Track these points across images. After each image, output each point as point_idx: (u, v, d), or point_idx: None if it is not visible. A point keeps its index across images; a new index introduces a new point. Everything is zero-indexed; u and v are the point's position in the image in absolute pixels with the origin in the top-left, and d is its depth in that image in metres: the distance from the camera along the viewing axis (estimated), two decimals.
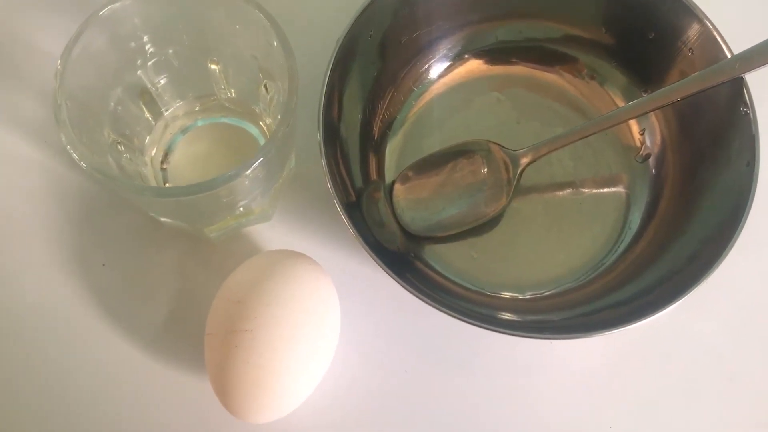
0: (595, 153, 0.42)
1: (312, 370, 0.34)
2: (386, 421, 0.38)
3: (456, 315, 0.32)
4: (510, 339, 0.38)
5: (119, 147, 0.37)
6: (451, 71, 0.43)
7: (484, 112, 0.43)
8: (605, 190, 0.41)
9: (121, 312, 0.39)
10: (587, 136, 0.38)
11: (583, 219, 0.41)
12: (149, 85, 0.38)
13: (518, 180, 0.39)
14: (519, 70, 0.43)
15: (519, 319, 0.37)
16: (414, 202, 0.40)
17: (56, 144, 0.42)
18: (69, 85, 0.33)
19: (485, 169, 0.40)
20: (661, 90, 0.37)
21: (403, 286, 0.33)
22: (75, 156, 0.31)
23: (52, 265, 0.40)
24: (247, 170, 0.31)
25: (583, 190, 0.41)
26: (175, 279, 0.40)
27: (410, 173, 0.41)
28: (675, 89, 0.36)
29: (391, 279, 0.39)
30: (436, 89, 0.43)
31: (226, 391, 0.34)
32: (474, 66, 0.43)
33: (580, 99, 0.42)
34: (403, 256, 0.39)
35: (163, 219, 0.39)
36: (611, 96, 0.42)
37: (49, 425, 0.37)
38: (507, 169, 0.39)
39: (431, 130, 0.42)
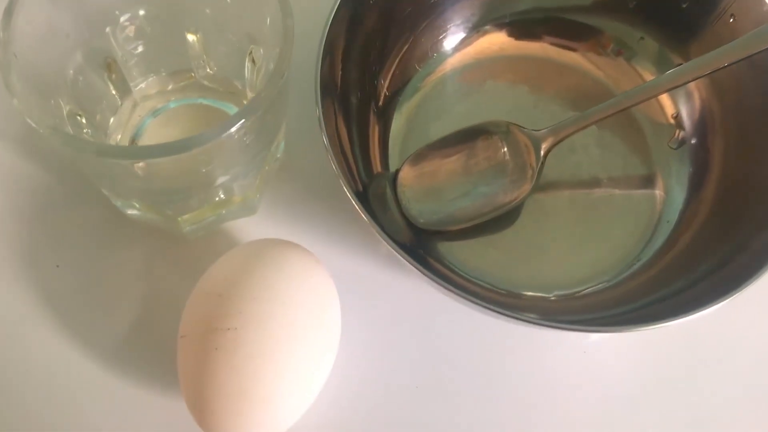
0: (624, 139, 0.37)
1: (310, 379, 0.28)
2: None
3: (490, 307, 0.27)
4: (535, 344, 0.34)
5: (79, 119, 0.31)
6: (460, 50, 0.38)
7: (497, 95, 0.38)
8: (637, 180, 0.36)
9: (78, 321, 0.33)
10: (621, 111, 0.33)
11: (613, 212, 0.36)
12: (119, 52, 0.33)
13: (542, 164, 0.34)
14: (536, 49, 0.38)
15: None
16: (422, 193, 0.35)
17: (2, 130, 0.37)
18: (16, 47, 0.27)
19: (506, 153, 0.35)
20: (704, 56, 0.32)
21: (427, 275, 0.27)
22: (30, 119, 0.26)
23: None
24: (232, 127, 0.26)
25: (613, 180, 0.36)
26: (142, 282, 0.34)
27: (417, 160, 0.35)
28: (721, 54, 0.31)
29: (400, 277, 0.34)
30: (442, 70, 0.38)
31: (203, 406, 0.27)
32: (486, 45, 0.38)
33: (604, 80, 0.38)
34: (413, 251, 0.33)
35: (129, 211, 0.34)
36: (640, 73, 0.37)
37: None
38: (529, 152, 0.34)
39: (438, 115, 0.37)
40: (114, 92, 0.34)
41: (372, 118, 0.36)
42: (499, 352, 0.33)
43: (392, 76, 0.37)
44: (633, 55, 0.38)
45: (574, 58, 0.38)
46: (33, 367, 0.32)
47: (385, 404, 0.32)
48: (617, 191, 0.36)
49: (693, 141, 0.36)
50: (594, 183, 0.36)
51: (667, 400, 0.33)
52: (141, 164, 0.26)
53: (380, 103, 0.36)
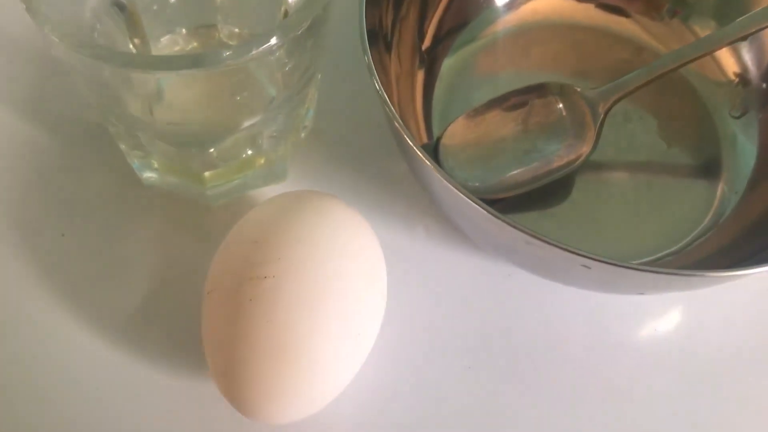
0: (683, 108, 0.34)
1: (356, 343, 0.24)
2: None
3: (592, 256, 0.23)
4: (599, 320, 0.30)
5: None
6: (507, 14, 0.36)
7: (543, 64, 0.35)
8: (698, 149, 0.33)
9: (85, 293, 0.29)
10: (684, 65, 0.30)
11: (674, 183, 0.33)
12: None
13: (602, 124, 0.31)
14: (587, 16, 0.36)
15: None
16: (468, 160, 0.32)
17: (8, 93, 0.33)
18: None
19: (562, 111, 0.32)
20: None
21: (508, 222, 0.24)
22: (54, 35, 0.23)
23: None
24: (271, 39, 0.23)
25: (672, 151, 0.33)
26: (156, 252, 0.30)
27: (461, 124, 0.32)
28: None
29: (447, 250, 0.31)
30: (486, 35, 0.35)
31: (232, 370, 0.23)
32: (528, 11, 0.36)
33: (658, 48, 0.35)
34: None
35: (146, 174, 0.30)
36: (698, 35, 0.35)
37: None
38: (586, 112, 0.31)
39: (481, 82, 0.34)
40: (131, 48, 0.31)
41: (413, 84, 0.33)
42: (559, 329, 0.30)
43: (434, 38, 0.34)
44: (691, 13, 0.35)
45: (626, 26, 0.36)
46: (36, 344, 0.28)
47: (435, 385, 0.28)
48: (677, 162, 0.33)
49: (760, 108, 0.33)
50: (652, 153, 0.33)
51: (742, 382, 0.29)
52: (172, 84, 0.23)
53: (422, 67, 0.34)
